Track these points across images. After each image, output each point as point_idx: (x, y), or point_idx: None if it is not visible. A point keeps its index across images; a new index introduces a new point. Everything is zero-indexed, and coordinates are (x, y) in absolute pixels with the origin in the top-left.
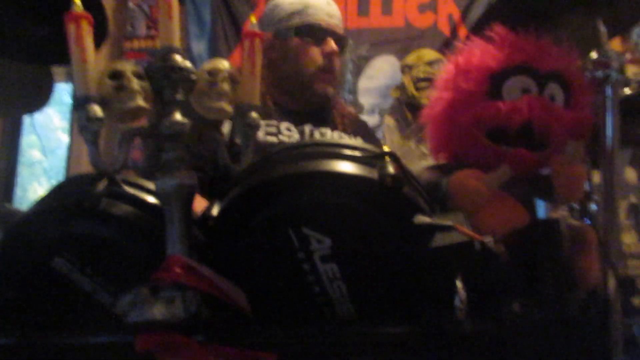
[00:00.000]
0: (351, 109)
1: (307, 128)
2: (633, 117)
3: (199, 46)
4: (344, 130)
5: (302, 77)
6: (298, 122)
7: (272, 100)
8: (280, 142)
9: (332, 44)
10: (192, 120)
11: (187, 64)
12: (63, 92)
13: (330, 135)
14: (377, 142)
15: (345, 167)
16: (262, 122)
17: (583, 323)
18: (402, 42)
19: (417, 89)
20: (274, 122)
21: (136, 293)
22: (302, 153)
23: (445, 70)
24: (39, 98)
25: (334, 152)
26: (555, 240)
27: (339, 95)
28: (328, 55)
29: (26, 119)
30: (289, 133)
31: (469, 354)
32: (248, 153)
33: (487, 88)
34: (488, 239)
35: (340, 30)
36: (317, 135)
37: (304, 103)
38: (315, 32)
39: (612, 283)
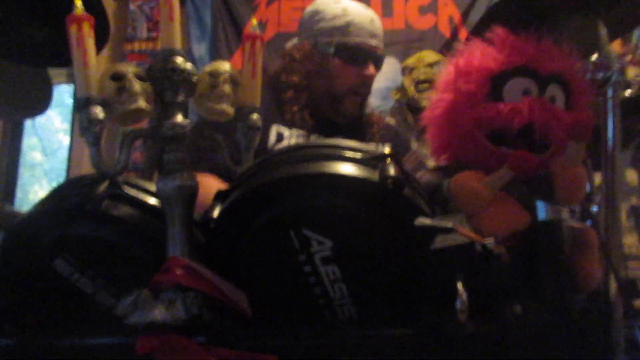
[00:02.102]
0: (390, 121)
1: None
2: (634, 119)
3: (200, 48)
4: (379, 143)
5: (334, 95)
6: (330, 133)
7: (309, 111)
8: None
9: (370, 69)
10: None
11: (188, 65)
12: (64, 94)
13: None
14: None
15: (346, 168)
16: (294, 132)
17: (584, 325)
18: (402, 44)
19: (417, 90)
20: (304, 132)
21: (137, 295)
22: (303, 155)
23: (445, 72)
24: (38, 103)
25: (335, 153)
26: (556, 242)
27: (373, 109)
28: (364, 79)
29: (27, 122)
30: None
31: (470, 356)
32: (249, 155)
33: (487, 90)
34: (489, 241)
35: (381, 50)
36: None
37: (334, 116)
38: (355, 54)
39: (613, 285)
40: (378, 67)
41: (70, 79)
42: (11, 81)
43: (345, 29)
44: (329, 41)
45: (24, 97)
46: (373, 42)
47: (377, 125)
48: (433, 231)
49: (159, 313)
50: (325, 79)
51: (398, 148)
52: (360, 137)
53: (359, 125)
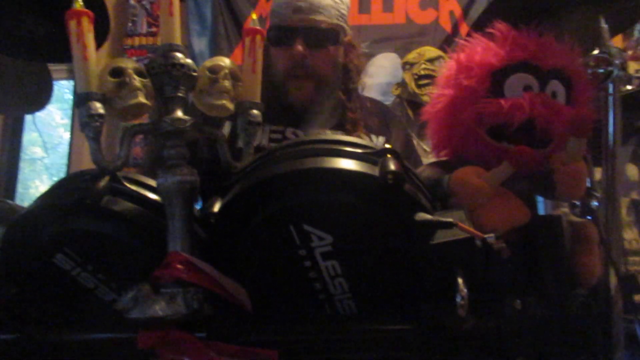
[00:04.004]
0: (382, 105)
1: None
2: (635, 114)
3: (200, 43)
4: (362, 131)
5: (277, 83)
6: (307, 126)
7: (277, 103)
8: None
9: (297, 47)
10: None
11: (188, 61)
12: (64, 90)
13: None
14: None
15: (347, 164)
16: (267, 129)
17: (584, 320)
18: (403, 39)
19: (418, 86)
20: (280, 127)
21: (138, 290)
22: (303, 150)
23: (446, 67)
24: (38, 99)
25: (335, 149)
26: (556, 237)
27: (355, 94)
28: (293, 59)
29: (28, 117)
30: (293, 138)
31: (470, 350)
32: (249, 150)
33: (488, 85)
34: (489, 236)
35: (315, 22)
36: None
37: (291, 104)
38: (280, 36)
39: (613, 280)
40: (314, 40)
41: (71, 75)
42: (11, 76)
43: (273, 10)
44: (268, 29)
45: (23, 92)
46: (296, 17)
47: (353, 109)
48: (433, 226)
49: (159, 308)
50: (267, 70)
51: (386, 124)
52: (338, 129)
53: (340, 117)
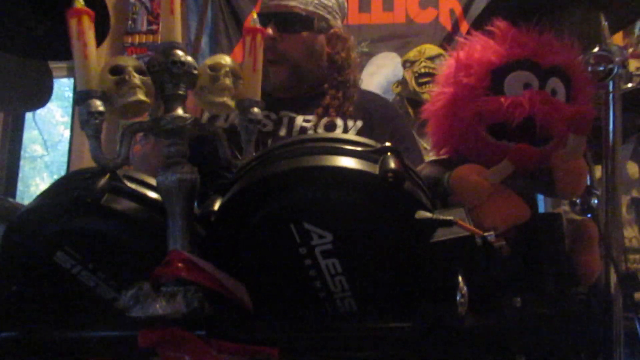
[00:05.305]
0: (372, 95)
1: (286, 117)
2: (635, 112)
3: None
4: (343, 116)
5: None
6: (280, 109)
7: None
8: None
9: (267, 30)
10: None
11: (189, 59)
12: (65, 87)
13: (312, 124)
14: (392, 125)
15: (347, 162)
16: None
17: (584, 318)
18: (403, 39)
19: (418, 84)
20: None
21: (138, 288)
22: (304, 148)
23: (446, 65)
24: (39, 95)
25: (336, 147)
26: (556, 235)
27: (343, 87)
28: (265, 43)
29: (28, 114)
30: (266, 121)
31: (470, 348)
32: (250, 148)
33: (488, 83)
34: (489, 234)
35: (287, 7)
36: (298, 123)
37: (272, 91)
38: (259, 22)
39: (613, 278)
40: (285, 25)
41: (71, 73)
42: (11, 73)
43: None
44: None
45: (24, 89)
46: (271, 3)
47: (341, 101)
48: (433, 224)
49: (160, 306)
50: None
51: (373, 124)
52: (308, 111)
53: (317, 101)
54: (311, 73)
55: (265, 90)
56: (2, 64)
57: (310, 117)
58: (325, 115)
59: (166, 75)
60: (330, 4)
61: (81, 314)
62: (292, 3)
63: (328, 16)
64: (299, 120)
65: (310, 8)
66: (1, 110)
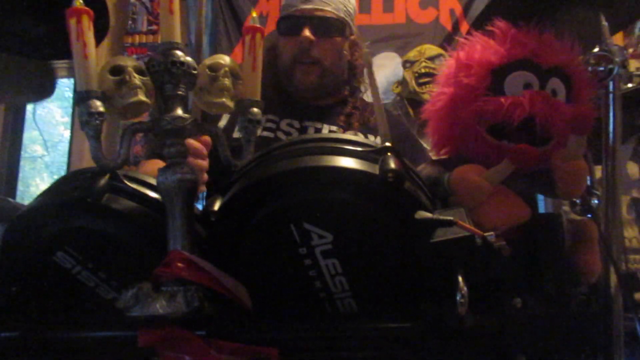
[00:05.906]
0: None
1: (312, 127)
2: (635, 112)
3: None
4: (362, 128)
5: (284, 71)
6: (305, 118)
7: (279, 94)
8: (277, 139)
9: (305, 33)
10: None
11: (189, 59)
12: (65, 87)
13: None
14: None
15: (347, 162)
16: (263, 118)
17: (585, 318)
18: (403, 39)
19: (418, 84)
20: (275, 117)
21: (138, 288)
22: (304, 148)
23: (446, 65)
24: (41, 88)
25: (336, 147)
26: (556, 235)
27: (355, 90)
28: (300, 44)
29: (28, 115)
30: (288, 129)
31: (470, 349)
32: (249, 148)
33: (488, 83)
34: (489, 234)
35: (323, 12)
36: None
37: (295, 93)
38: (289, 25)
39: (613, 278)
40: (321, 29)
41: (71, 73)
42: (13, 66)
43: (284, 4)
44: (278, 21)
45: (26, 81)
46: (308, 6)
47: (360, 111)
48: (433, 224)
49: (160, 306)
50: (278, 59)
51: (398, 136)
52: (331, 120)
53: (340, 111)
54: (337, 78)
55: (286, 91)
56: (4, 57)
57: (334, 129)
58: (349, 125)
59: (166, 75)
60: (352, 11)
61: (81, 314)
62: (327, 8)
63: (351, 23)
64: (326, 130)
65: (341, 14)
66: (7, 102)
